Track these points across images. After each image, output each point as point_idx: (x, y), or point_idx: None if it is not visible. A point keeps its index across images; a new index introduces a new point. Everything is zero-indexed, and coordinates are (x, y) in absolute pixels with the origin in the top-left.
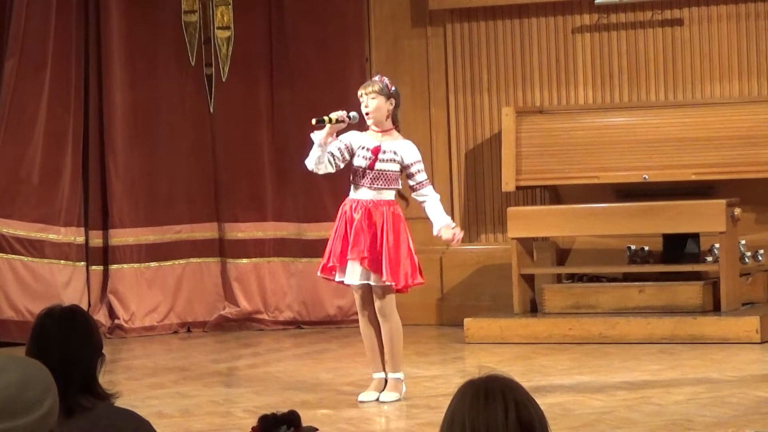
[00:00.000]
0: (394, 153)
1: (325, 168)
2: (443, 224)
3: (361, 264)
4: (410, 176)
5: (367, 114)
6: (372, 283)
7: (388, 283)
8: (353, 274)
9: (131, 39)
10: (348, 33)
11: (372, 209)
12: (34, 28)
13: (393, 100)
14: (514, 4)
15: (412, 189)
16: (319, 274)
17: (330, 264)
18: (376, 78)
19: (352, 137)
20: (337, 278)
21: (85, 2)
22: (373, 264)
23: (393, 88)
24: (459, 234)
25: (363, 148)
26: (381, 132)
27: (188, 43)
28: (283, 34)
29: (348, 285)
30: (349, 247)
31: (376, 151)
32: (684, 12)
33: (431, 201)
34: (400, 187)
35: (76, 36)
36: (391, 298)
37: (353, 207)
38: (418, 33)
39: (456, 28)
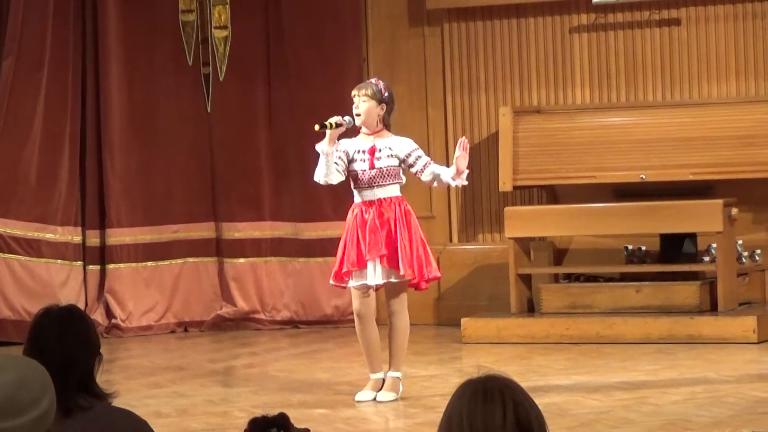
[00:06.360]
0: (390, 149)
1: (336, 177)
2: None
3: (381, 263)
4: (411, 166)
5: (357, 115)
6: (393, 280)
7: (407, 278)
8: (375, 275)
9: (128, 39)
10: (345, 33)
11: (382, 208)
12: (31, 28)
13: (384, 106)
14: (511, 3)
15: (418, 175)
16: (331, 282)
17: (344, 270)
18: (372, 80)
19: (347, 144)
20: (352, 283)
21: (82, 2)
22: (392, 261)
23: (386, 94)
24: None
25: (359, 151)
26: (372, 134)
27: (185, 43)
28: (281, 33)
29: (367, 287)
30: (366, 249)
31: (372, 150)
32: (681, 12)
33: (434, 168)
34: (403, 181)
35: (74, 36)
36: (405, 296)
37: (363, 210)
38: (415, 33)
39: (453, 27)
